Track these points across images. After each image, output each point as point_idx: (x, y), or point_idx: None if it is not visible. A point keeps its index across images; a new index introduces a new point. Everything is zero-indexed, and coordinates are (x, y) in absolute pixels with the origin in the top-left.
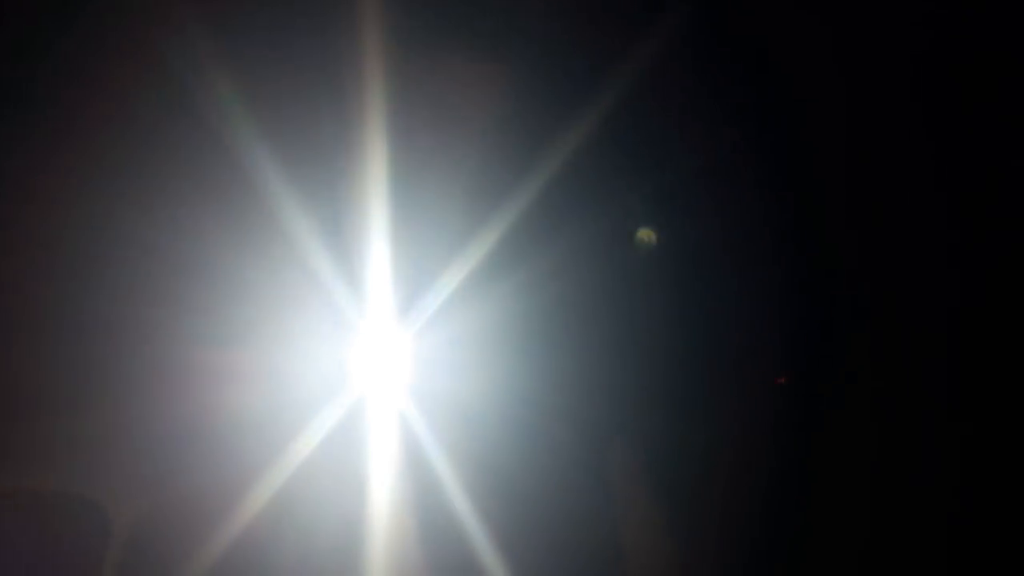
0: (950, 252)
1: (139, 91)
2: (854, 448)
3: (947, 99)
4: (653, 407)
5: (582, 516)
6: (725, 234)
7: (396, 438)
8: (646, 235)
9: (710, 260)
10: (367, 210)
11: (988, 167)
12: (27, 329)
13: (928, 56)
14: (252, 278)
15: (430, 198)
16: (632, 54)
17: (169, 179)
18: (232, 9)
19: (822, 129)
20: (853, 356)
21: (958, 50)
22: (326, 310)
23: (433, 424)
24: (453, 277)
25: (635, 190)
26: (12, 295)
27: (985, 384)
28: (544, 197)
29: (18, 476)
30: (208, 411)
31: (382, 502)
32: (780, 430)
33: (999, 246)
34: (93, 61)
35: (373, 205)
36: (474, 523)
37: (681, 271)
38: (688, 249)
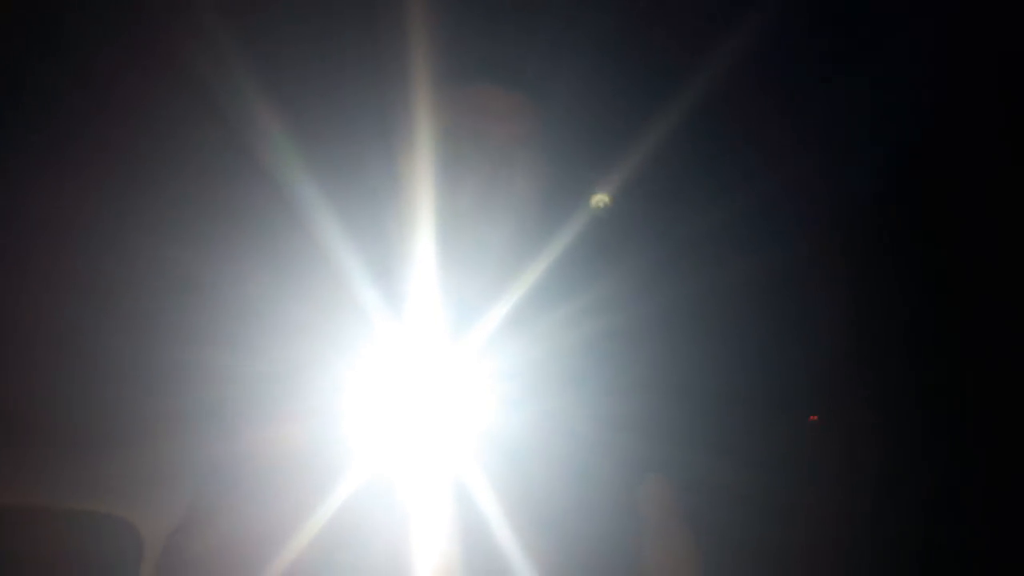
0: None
1: (191, 131)
2: (887, 485)
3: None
4: (693, 445)
5: (619, 551)
6: (768, 274)
7: (439, 474)
8: (599, 200)
9: (752, 300)
10: (413, 245)
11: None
12: (64, 353)
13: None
14: (297, 316)
15: (477, 234)
16: (676, 89)
17: (217, 218)
18: (281, 46)
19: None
20: (888, 394)
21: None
22: (372, 345)
23: (477, 457)
24: (499, 311)
25: (681, 227)
26: (44, 326)
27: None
28: (590, 233)
29: (51, 494)
30: (249, 443)
31: (426, 536)
32: (814, 468)
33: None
34: (135, 97)
35: (420, 240)
36: (516, 554)
37: (722, 311)
38: (732, 288)
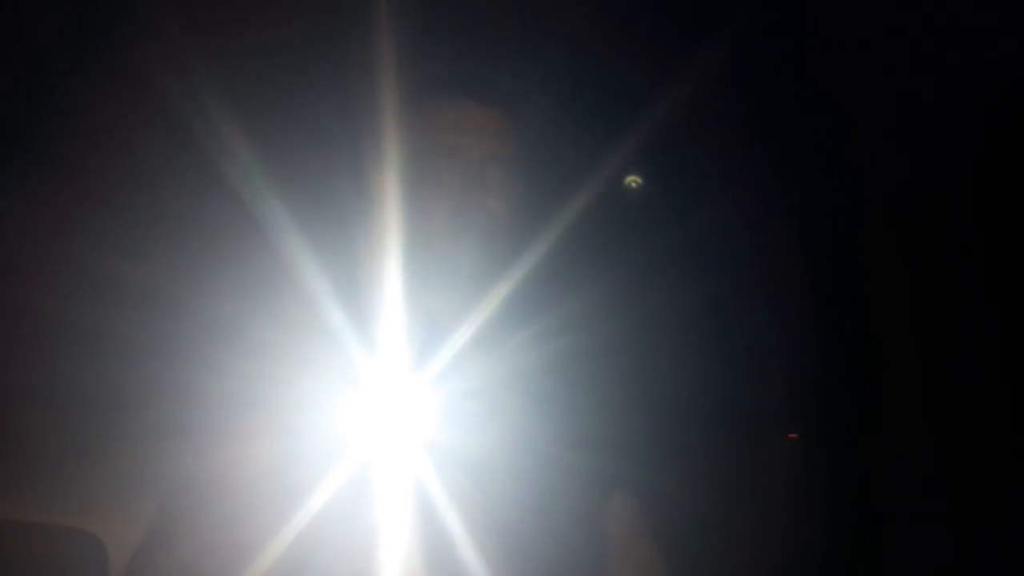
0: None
1: (157, 149)
2: (859, 504)
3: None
4: (661, 464)
5: (585, 569)
6: (740, 291)
7: (406, 492)
8: (633, 181)
9: (724, 317)
10: (382, 263)
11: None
12: (30, 368)
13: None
14: (265, 334)
15: (445, 252)
16: (650, 106)
17: (185, 236)
18: (249, 61)
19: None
20: (865, 411)
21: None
22: (339, 364)
23: (442, 477)
24: (466, 330)
25: (653, 243)
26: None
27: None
28: (558, 251)
29: (17, 507)
30: (216, 460)
31: (392, 555)
32: (790, 486)
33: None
34: (107, 119)
35: (388, 258)
36: (481, 573)
37: (690, 329)
38: (704, 306)
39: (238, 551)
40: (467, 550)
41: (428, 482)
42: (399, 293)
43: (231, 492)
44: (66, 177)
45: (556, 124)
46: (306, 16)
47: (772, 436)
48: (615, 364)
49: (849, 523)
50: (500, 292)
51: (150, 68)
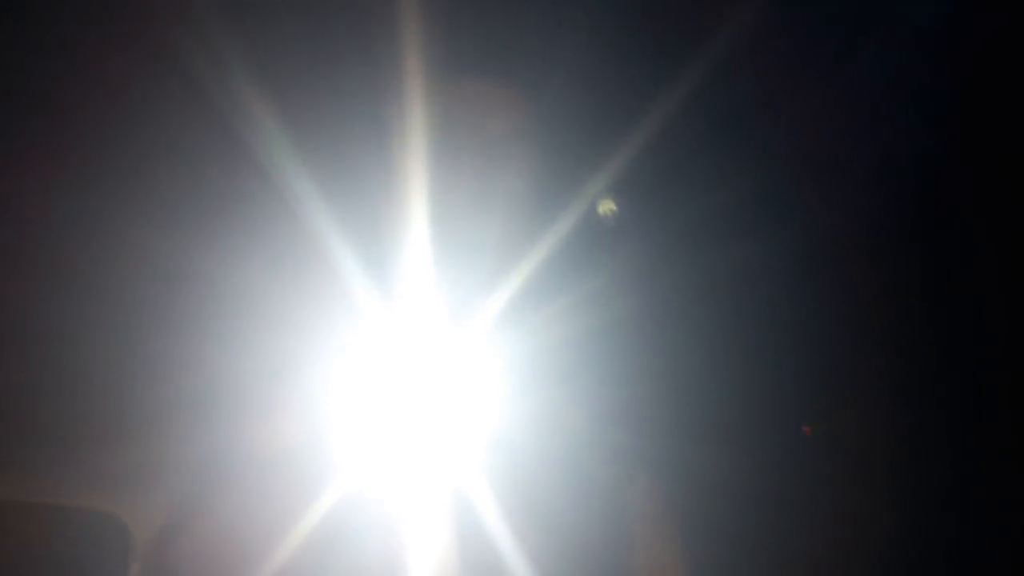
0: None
1: (180, 121)
2: (877, 493)
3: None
4: (690, 439)
5: (613, 546)
6: (770, 265)
7: (433, 472)
8: (606, 208)
9: (753, 291)
10: (408, 238)
11: None
12: (51, 347)
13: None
14: (290, 309)
15: (471, 227)
16: (673, 77)
17: (208, 209)
18: (273, 38)
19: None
20: (880, 402)
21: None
22: (366, 339)
23: (470, 452)
24: (493, 305)
25: (680, 218)
26: (34, 318)
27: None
28: (585, 225)
29: (40, 490)
30: (242, 438)
31: (419, 531)
32: (817, 465)
33: None
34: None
35: (414, 233)
36: (509, 548)
37: (722, 303)
38: (732, 280)
39: (262, 532)
40: (495, 526)
41: (456, 459)
42: (425, 269)
43: (256, 472)
44: (82, 149)
45: (579, 98)
46: None
47: (799, 414)
48: (645, 338)
49: (890, 504)
50: (527, 267)
51: (169, 37)
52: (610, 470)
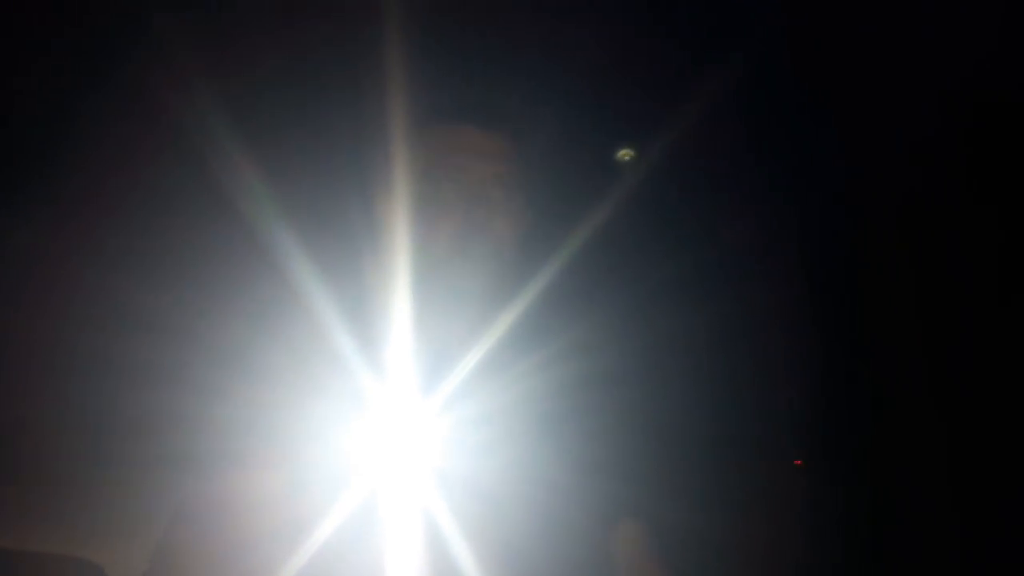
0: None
1: (168, 175)
2: (864, 532)
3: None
4: (668, 490)
5: None
6: (744, 318)
7: (414, 520)
8: (626, 154)
9: (729, 345)
10: (389, 288)
11: None
12: (35, 395)
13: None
14: (272, 361)
15: (453, 277)
16: (651, 136)
17: (191, 261)
18: (257, 89)
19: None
20: (869, 438)
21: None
22: (346, 390)
23: (451, 504)
24: (474, 355)
25: (657, 271)
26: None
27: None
28: (564, 278)
29: (21, 536)
30: (221, 488)
31: None
32: (796, 511)
33: None
34: (115, 144)
35: (395, 283)
36: None
37: (699, 356)
38: (707, 333)
39: (240, 569)
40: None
41: (436, 509)
42: (406, 318)
43: (236, 521)
44: (75, 202)
45: (561, 146)
46: (314, 40)
47: (778, 461)
48: (622, 389)
49: (855, 547)
50: (507, 317)
51: (159, 92)
52: (592, 520)
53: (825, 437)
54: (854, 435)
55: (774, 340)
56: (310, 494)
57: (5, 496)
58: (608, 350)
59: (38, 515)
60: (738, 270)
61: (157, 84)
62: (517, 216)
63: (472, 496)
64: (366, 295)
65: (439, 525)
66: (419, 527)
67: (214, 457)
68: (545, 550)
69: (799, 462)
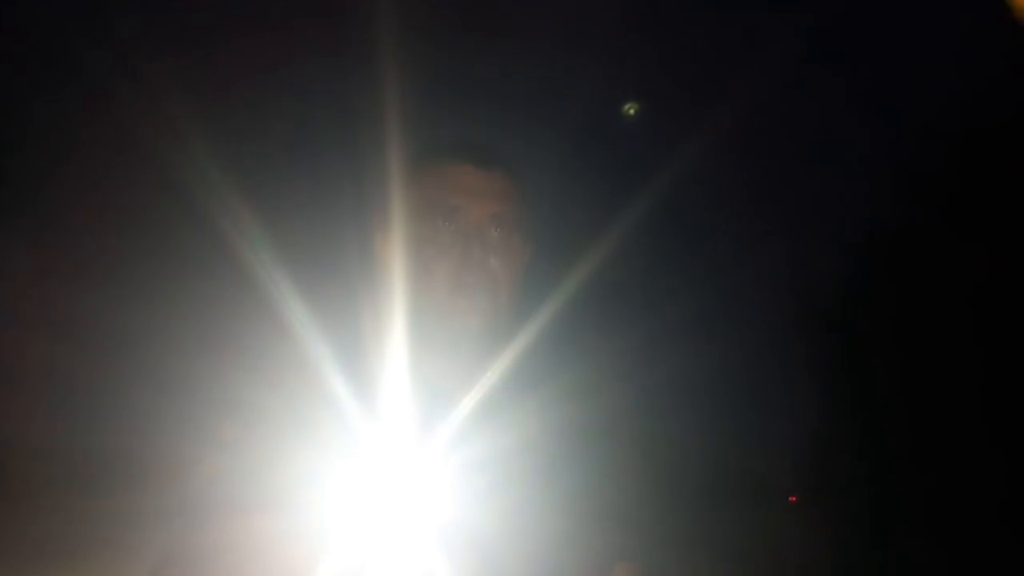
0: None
1: (160, 224)
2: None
3: None
4: (665, 536)
5: None
6: (740, 363)
7: (410, 566)
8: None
9: (727, 387)
10: (384, 329)
11: None
12: (29, 422)
13: None
14: (267, 406)
15: (450, 319)
16: (652, 177)
17: (183, 308)
18: (255, 131)
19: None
20: (864, 473)
21: None
22: (344, 436)
23: (447, 551)
24: (471, 400)
25: (655, 314)
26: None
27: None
28: (563, 318)
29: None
30: (219, 535)
31: None
32: (793, 549)
33: None
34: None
35: (392, 327)
36: None
37: (698, 398)
38: (706, 376)
39: None
40: None
41: (432, 557)
42: (403, 360)
43: (229, 569)
44: (71, 251)
45: (560, 188)
46: (312, 80)
47: (776, 503)
48: (620, 434)
49: None
50: (506, 358)
51: (156, 139)
52: (591, 567)
53: (821, 474)
54: (850, 472)
55: (771, 382)
56: (304, 541)
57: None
58: (608, 392)
59: (24, 545)
60: (736, 313)
61: (152, 132)
62: (516, 256)
63: (468, 544)
64: (362, 337)
65: (437, 573)
66: (416, 574)
67: (207, 501)
68: None
69: (794, 498)
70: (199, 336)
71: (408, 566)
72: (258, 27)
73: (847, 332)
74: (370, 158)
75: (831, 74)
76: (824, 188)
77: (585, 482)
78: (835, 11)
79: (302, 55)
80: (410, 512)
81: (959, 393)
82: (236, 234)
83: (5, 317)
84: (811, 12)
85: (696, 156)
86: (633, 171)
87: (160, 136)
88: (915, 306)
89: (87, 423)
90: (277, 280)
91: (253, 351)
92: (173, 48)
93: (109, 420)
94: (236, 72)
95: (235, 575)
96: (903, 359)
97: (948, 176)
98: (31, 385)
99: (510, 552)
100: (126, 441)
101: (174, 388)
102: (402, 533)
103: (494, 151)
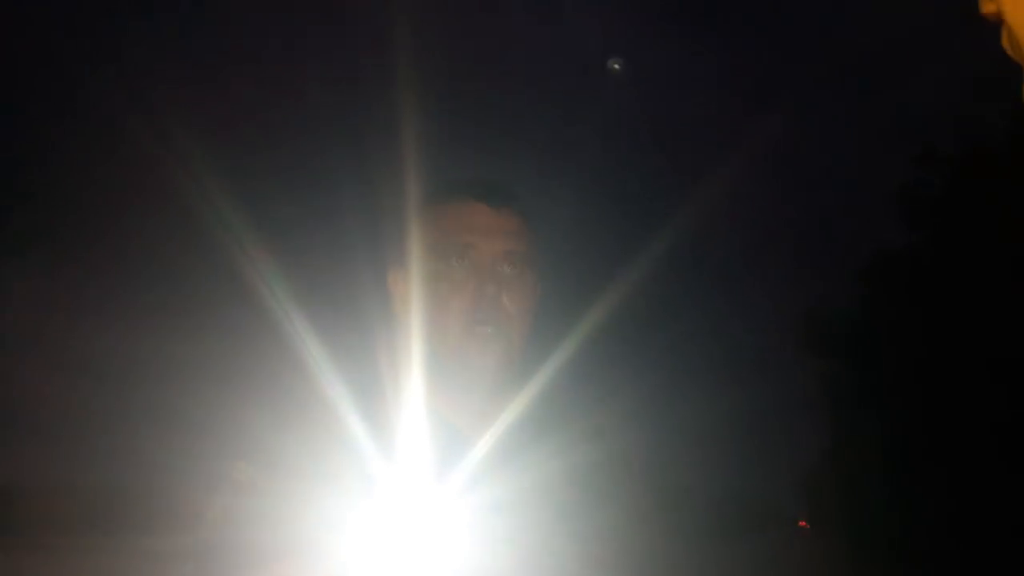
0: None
1: (176, 261)
2: None
3: None
4: (681, 573)
5: None
6: (752, 405)
7: None
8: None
9: (740, 426)
10: (403, 372)
11: None
12: (42, 456)
13: None
14: (285, 451)
15: (465, 359)
16: (668, 216)
17: (200, 350)
18: (269, 169)
19: None
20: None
21: None
22: (362, 479)
23: None
24: (485, 444)
25: (668, 357)
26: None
27: None
28: (578, 360)
29: None
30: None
31: None
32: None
33: None
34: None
35: (409, 367)
36: None
37: (706, 432)
38: (720, 417)
39: None
40: None
41: None
42: (420, 401)
43: None
44: (88, 289)
45: (574, 226)
46: (327, 119)
47: (787, 529)
48: (635, 474)
49: None
50: (522, 399)
51: (174, 177)
52: None
53: (832, 499)
54: (860, 499)
55: (781, 408)
56: None
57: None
58: (622, 433)
59: None
60: (749, 357)
61: (167, 163)
62: (529, 294)
63: None
64: (379, 377)
65: None
66: None
67: (218, 546)
68: None
69: (804, 524)
70: (214, 375)
71: None
72: (274, 61)
73: (857, 357)
74: (385, 198)
75: (832, 101)
76: (830, 215)
77: (601, 524)
78: (840, 40)
79: (318, 91)
80: (427, 555)
81: (970, 416)
82: (252, 272)
83: (21, 353)
84: (816, 46)
85: (708, 195)
86: (647, 210)
87: (177, 174)
88: (924, 329)
89: (102, 462)
90: (293, 319)
91: (268, 391)
92: (189, 82)
93: (123, 459)
94: (251, 108)
95: None
96: (913, 382)
97: (951, 198)
98: (46, 424)
99: None
100: (140, 480)
101: (187, 427)
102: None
103: (507, 189)
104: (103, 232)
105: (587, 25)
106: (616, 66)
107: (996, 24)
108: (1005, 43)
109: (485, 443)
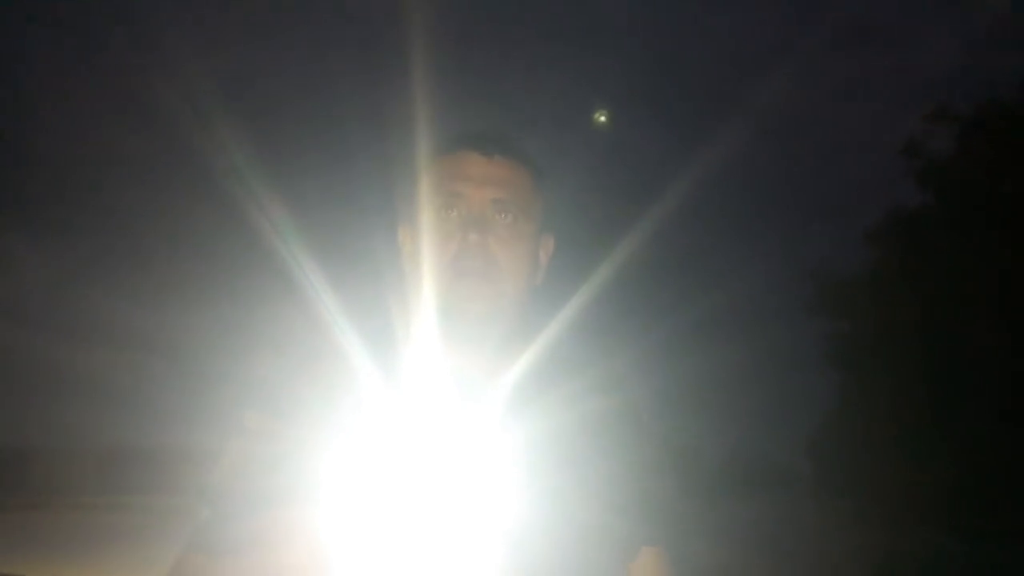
0: None
1: (196, 212)
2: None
3: None
4: (689, 521)
5: None
6: (766, 358)
7: (439, 553)
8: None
9: (751, 378)
10: (416, 321)
11: None
12: (51, 419)
13: None
14: (299, 396)
15: (479, 310)
16: (679, 178)
17: (211, 298)
18: (285, 124)
19: None
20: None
21: None
22: (374, 426)
23: (478, 537)
24: (500, 391)
25: (681, 312)
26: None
27: None
28: (591, 313)
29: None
30: (248, 527)
31: None
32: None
33: None
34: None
35: (422, 317)
36: None
37: (724, 390)
38: (732, 371)
39: None
40: None
41: (462, 544)
42: (431, 351)
43: (269, 556)
44: (97, 244)
45: (586, 185)
46: (343, 86)
47: (794, 488)
48: (646, 425)
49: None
50: (533, 352)
51: (188, 137)
52: (615, 556)
53: (839, 460)
54: (868, 457)
55: (789, 369)
56: (330, 532)
57: (7, 522)
58: (634, 385)
59: (40, 543)
60: (760, 309)
61: (191, 134)
62: (524, 243)
63: (498, 531)
64: (391, 327)
65: (465, 560)
66: (444, 563)
67: (233, 491)
68: None
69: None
70: (227, 326)
71: (438, 555)
72: (292, 34)
73: (866, 317)
74: (397, 153)
75: (845, 64)
76: (840, 177)
77: (611, 472)
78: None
79: (336, 62)
80: (438, 499)
81: (977, 376)
82: (266, 227)
83: (31, 316)
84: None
85: (717, 153)
86: (657, 169)
87: (192, 134)
88: (933, 291)
89: (113, 418)
90: (306, 270)
91: (280, 340)
92: (209, 50)
93: (136, 413)
94: (269, 75)
95: (261, 565)
96: (921, 343)
97: (964, 160)
98: (57, 383)
99: (539, 539)
100: (153, 434)
101: (201, 378)
102: (431, 522)
103: (503, 138)
104: (115, 188)
105: None
106: (602, 118)
107: None
108: None
109: (496, 391)
